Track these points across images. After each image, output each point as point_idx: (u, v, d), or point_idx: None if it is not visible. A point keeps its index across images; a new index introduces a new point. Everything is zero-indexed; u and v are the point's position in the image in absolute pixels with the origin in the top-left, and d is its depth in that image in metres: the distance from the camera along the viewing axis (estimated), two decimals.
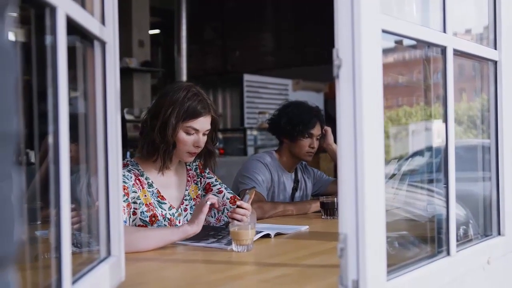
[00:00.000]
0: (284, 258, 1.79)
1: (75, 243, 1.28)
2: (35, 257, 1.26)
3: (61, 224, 0.98)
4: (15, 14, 0.62)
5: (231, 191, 2.37)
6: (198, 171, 2.37)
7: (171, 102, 2.13)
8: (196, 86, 2.22)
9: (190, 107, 2.13)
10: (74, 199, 1.14)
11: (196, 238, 1.97)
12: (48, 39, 0.97)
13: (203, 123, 2.17)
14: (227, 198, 2.31)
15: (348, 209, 1.15)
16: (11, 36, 0.60)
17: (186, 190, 2.31)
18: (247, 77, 7.98)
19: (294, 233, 2.21)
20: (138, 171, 2.18)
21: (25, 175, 0.96)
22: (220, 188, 2.36)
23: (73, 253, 1.05)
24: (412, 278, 1.32)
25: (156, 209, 2.15)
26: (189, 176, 2.34)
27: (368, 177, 1.14)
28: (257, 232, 2.01)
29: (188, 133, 2.16)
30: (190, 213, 2.27)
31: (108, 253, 1.34)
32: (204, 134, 2.19)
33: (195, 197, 2.32)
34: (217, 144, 2.42)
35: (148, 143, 2.16)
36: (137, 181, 2.15)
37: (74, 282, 1.06)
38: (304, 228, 2.32)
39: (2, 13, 0.57)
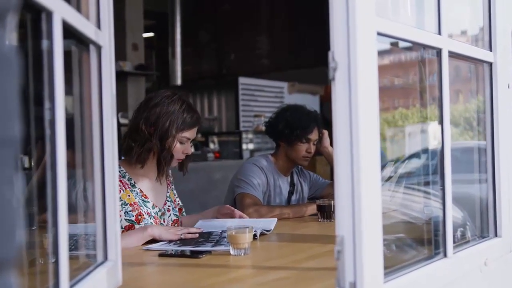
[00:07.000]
0: (282, 261, 1.79)
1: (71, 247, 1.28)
2: (31, 262, 1.26)
3: (59, 229, 0.98)
4: (16, 20, 0.62)
5: (177, 215, 2.42)
6: (172, 179, 2.48)
7: (167, 113, 2.21)
8: (184, 95, 2.33)
9: (187, 119, 2.24)
10: (71, 204, 1.14)
11: (194, 244, 1.97)
12: (44, 43, 0.96)
13: (195, 132, 2.31)
14: (171, 220, 2.37)
15: (344, 211, 1.14)
16: (12, 42, 0.60)
17: (167, 192, 2.40)
18: (242, 80, 7.97)
19: (291, 236, 2.21)
20: (119, 172, 2.21)
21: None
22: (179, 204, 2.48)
23: (70, 257, 1.05)
24: (409, 280, 1.32)
25: (141, 207, 2.22)
26: (169, 181, 2.45)
27: (364, 179, 1.14)
28: None
29: (181, 143, 2.26)
30: (173, 214, 2.38)
31: (105, 257, 1.33)
32: (191, 142, 2.32)
33: (173, 200, 2.43)
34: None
35: (145, 151, 2.21)
36: (119, 182, 2.17)
37: (71, 286, 1.05)
38: (273, 221, 2.32)
39: (3, 19, 0.57)
